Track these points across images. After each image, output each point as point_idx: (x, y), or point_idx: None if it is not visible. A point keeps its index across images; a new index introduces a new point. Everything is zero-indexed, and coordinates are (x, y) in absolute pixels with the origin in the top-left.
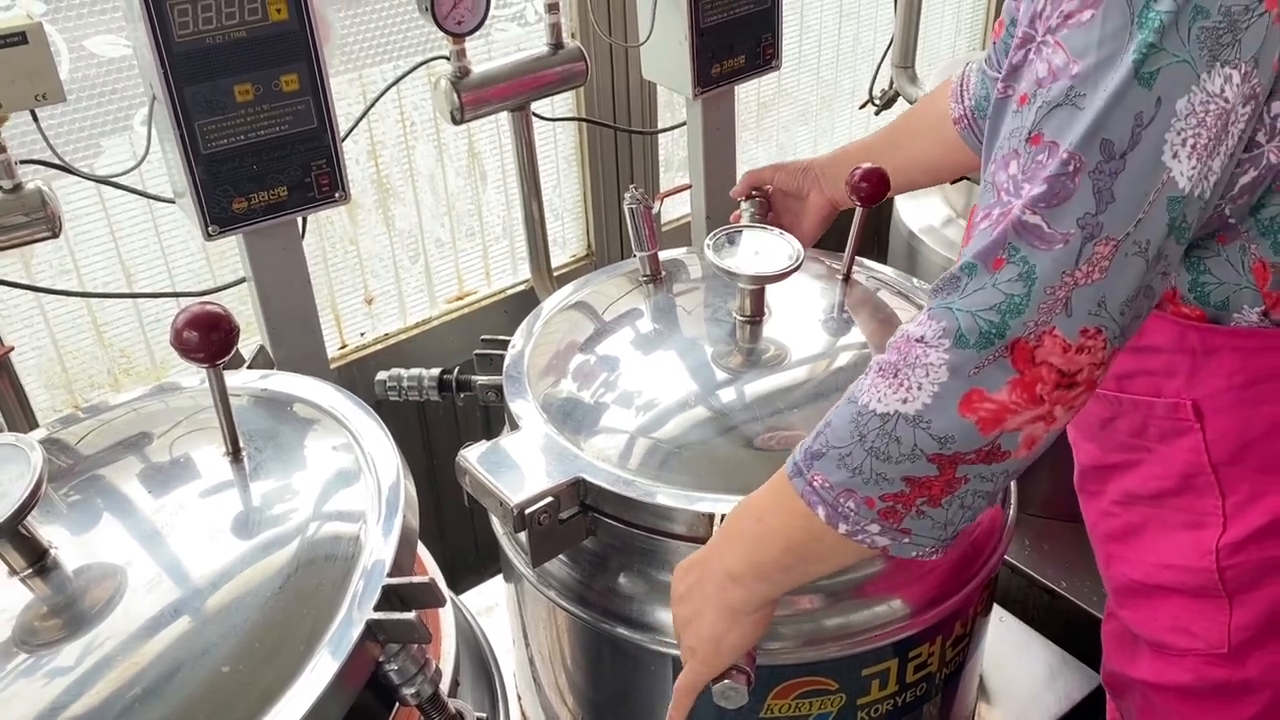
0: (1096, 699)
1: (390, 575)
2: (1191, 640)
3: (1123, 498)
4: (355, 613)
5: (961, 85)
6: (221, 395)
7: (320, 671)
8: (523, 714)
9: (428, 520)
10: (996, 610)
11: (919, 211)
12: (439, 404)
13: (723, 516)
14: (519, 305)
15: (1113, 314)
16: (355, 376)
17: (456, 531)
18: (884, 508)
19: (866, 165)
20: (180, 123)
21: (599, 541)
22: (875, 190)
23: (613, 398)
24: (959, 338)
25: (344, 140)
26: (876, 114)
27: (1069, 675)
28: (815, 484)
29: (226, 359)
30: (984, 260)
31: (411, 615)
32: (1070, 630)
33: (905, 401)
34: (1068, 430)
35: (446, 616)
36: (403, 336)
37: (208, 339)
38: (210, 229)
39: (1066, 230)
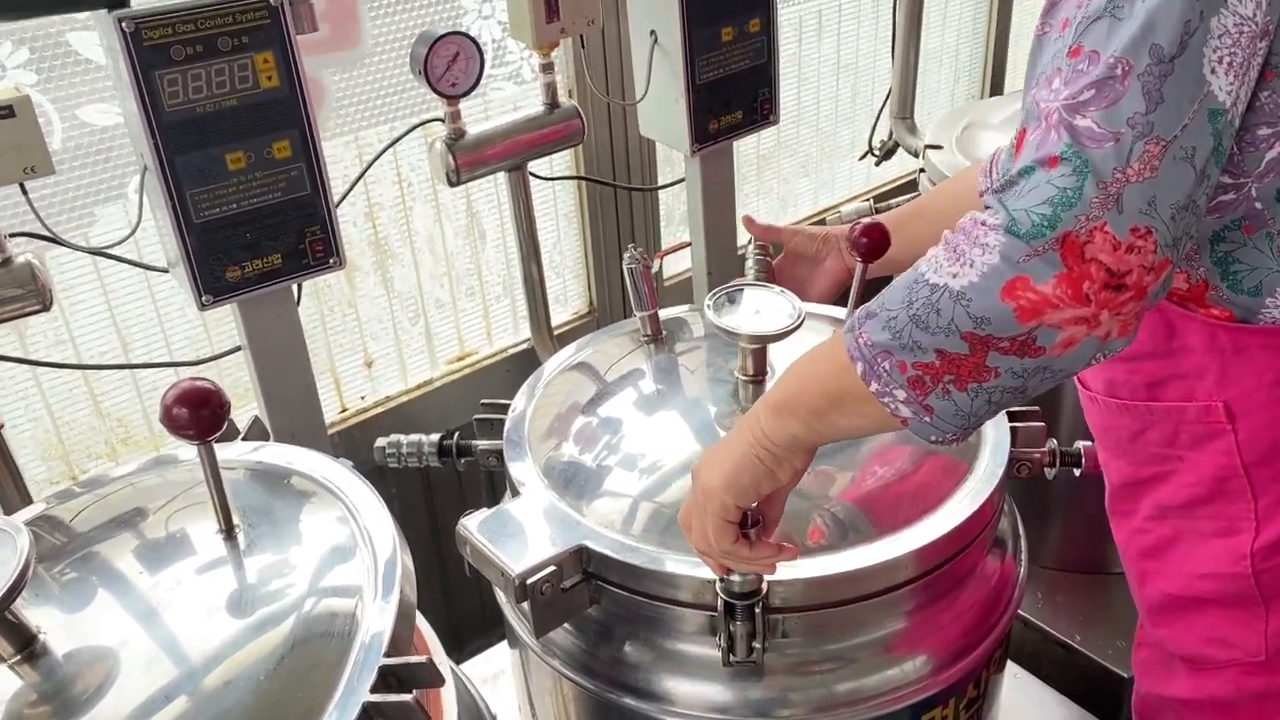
0: None
1: (388, 653)
2: (1229, 651)
3: (1155, 512)
4: (352, 695)
5: (991, 163)
6: (213, 472)
7: None
8: None
9: (433, 584)
10: (1010, 666)
11: None
12: (450, 465)
13: None
14: (522, 364)
15: (1163, 216)
16: (357, 440)
17: (463, 595)
18: (913, 375)
19: (867, 220)
20: (172, 192)
21: (603, 610)
22: (876, 245)
23: (615, 461)
24: (1011, 227)
25: (340, 203)
26: (877, 164)
27: None
28: (861, 340)
29: (217, 435)
30: (1040, 161)
31: (409, 697)
32: (1086, 685)
33: (955, 276)
34: (1099, 452)
35: (448, 691)
36: (404, 399)
37: (197, 415)
38: (204, 299)
39: (1118, 129)
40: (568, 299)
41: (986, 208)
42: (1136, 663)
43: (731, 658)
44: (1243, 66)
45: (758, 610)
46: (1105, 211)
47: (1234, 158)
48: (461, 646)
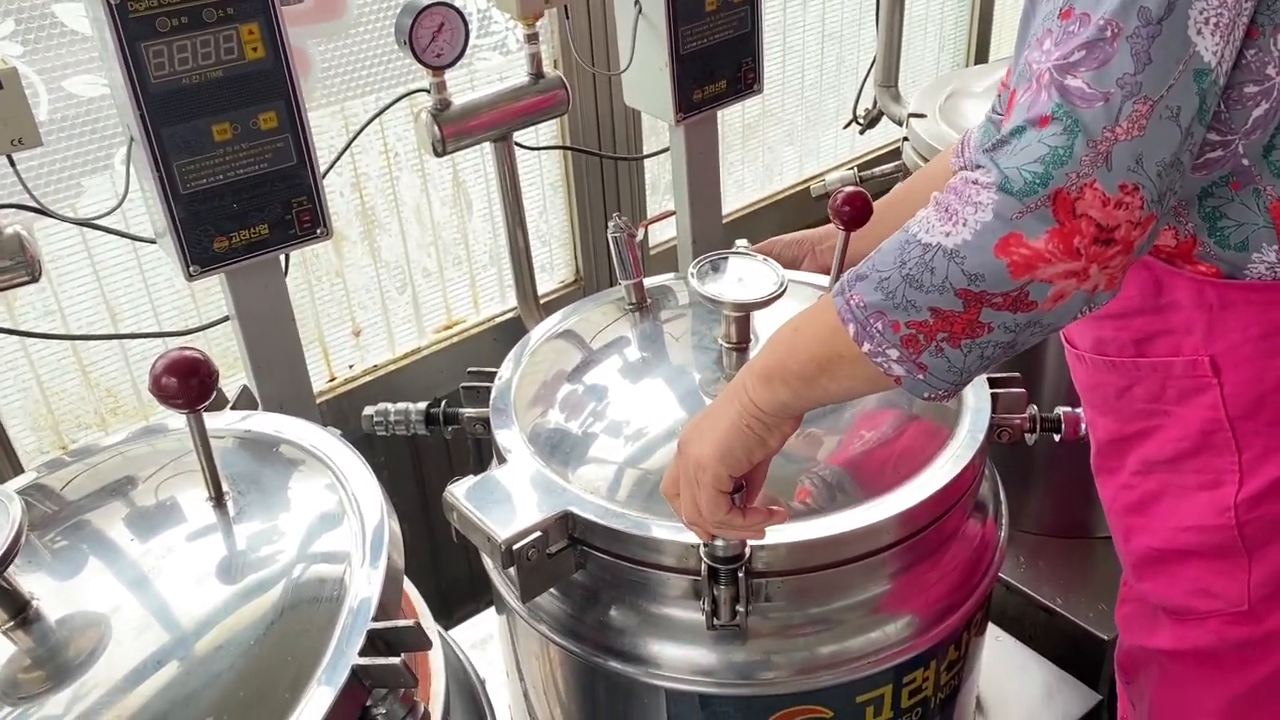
0: (1094, 717)
1: (376, 618)
2: (1212, 601)
3: (1141, 467)
4: (340, 659)
5: (963, 142)
6: (202, 440)
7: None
8: None
9: (421, 551)
10: (992, 629)
11: None
12: (438, 433)
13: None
14: (509, 333)
15: (1149, 174)
16: (345, 409)
17: (451, 561)
18: (907, 334)
19: (850, 189)
20: (158, 163)
21: (589, 574)
22: (858, 213)
23: (601, 428)
24: (1004, 184)
25: (327, 174)
26: (861, 133)
27: (1066, 693)
28: (852, 302)
29: (206, 404)
30: (1031, 121)
31: (397, 660)
32: (1067, 648)
33: (948, 235)
34: (1084, 410)
35: (436, 655)
36: (392, 367)
37: (186, 385)
38: (191, 269)
39: (1107, 89)
40: (554, 267)
41: (978, 166)
42: (1120, 617)
43: (715, 621)
44: (1229, 26)
45: (741, 574)
46: (1095, 169)
47: (1221, 115)
48: (450, 612)
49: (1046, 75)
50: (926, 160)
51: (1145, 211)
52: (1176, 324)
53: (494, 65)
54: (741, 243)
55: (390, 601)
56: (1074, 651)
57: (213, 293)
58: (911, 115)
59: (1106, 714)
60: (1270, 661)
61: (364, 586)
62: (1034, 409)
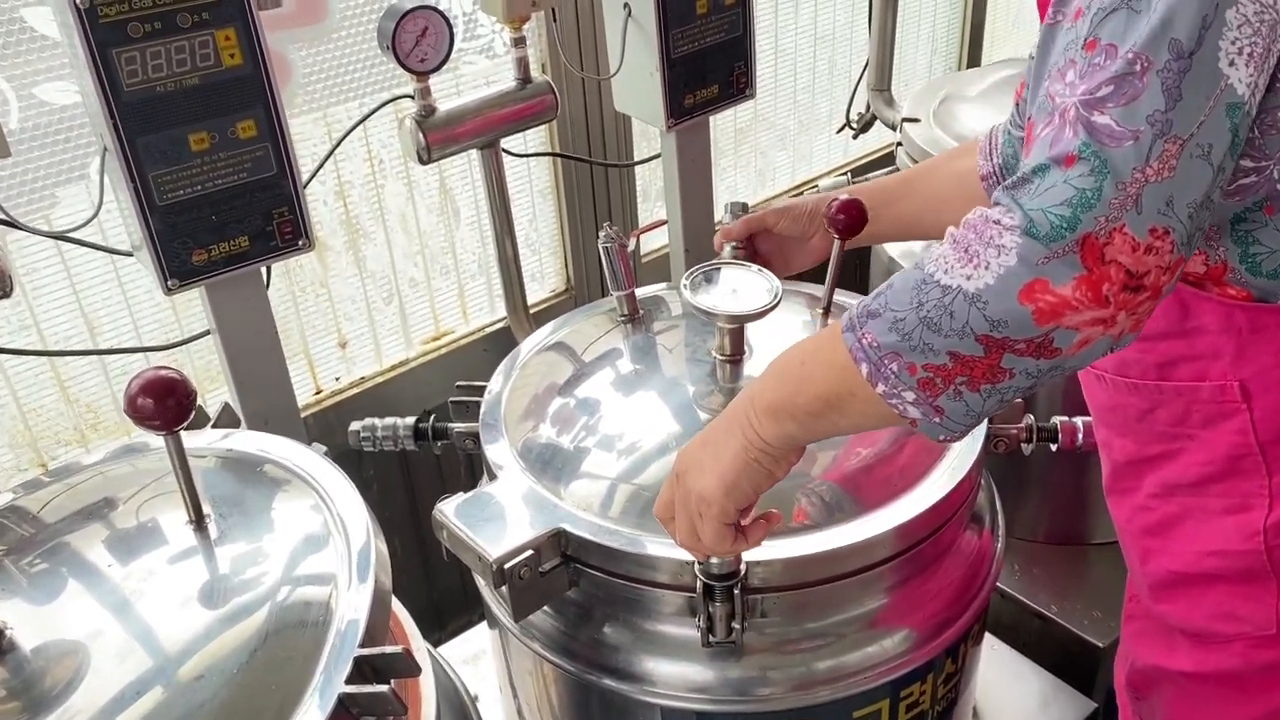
0: None
1: (364, 642)
2: (1238, 625)
3: (1160, 490)
4: (327, 687)
5: (990, 143)
6: (181, 462)
7: None
8: None
9: (413, 564)
10: (988, 638)
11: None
12: (427, 448)
13: None
14: (499, 343)
15: (1180, 216)
16: (332, 422)
17: (444, 573)
18: (924, 377)
19: (844, 197)
20: (133, 174)
21: (583, 592)
22: (852, 222)
23: (593, 443)
24: (1029, 229)
25: (309, 183)
26: (854, 137)
27: (1062, 702)
28: (865, 341)
29: (184, 425)
30: (1056, 160)
31: (385, 688)
32: (1062, 655)
33: (969, 278)
34: (1097, 430)
35: (426, 678)
36: (379, 379)
37: (163, 406)
38: (169, 283)
39: (1137, 128)
40: (545, 276)
41: (997, 204)
42: (1128, 634)
43: (711, 638)
44: (1263, 55)
45: (736, 591)
46: (1124, 212)
47: (1255, 141)
48: (444, 625)
49: (1072, 111)
50: None
51: (1175, 255)
52: (1203, 348)
53: (480, 69)
54: (736, 206)
55: (378, 625)
56: (1069, 659)
57: (195, 305)
58: (905, 120)
59: None
60: None
61: (351, 610)
62: (1030, 419)
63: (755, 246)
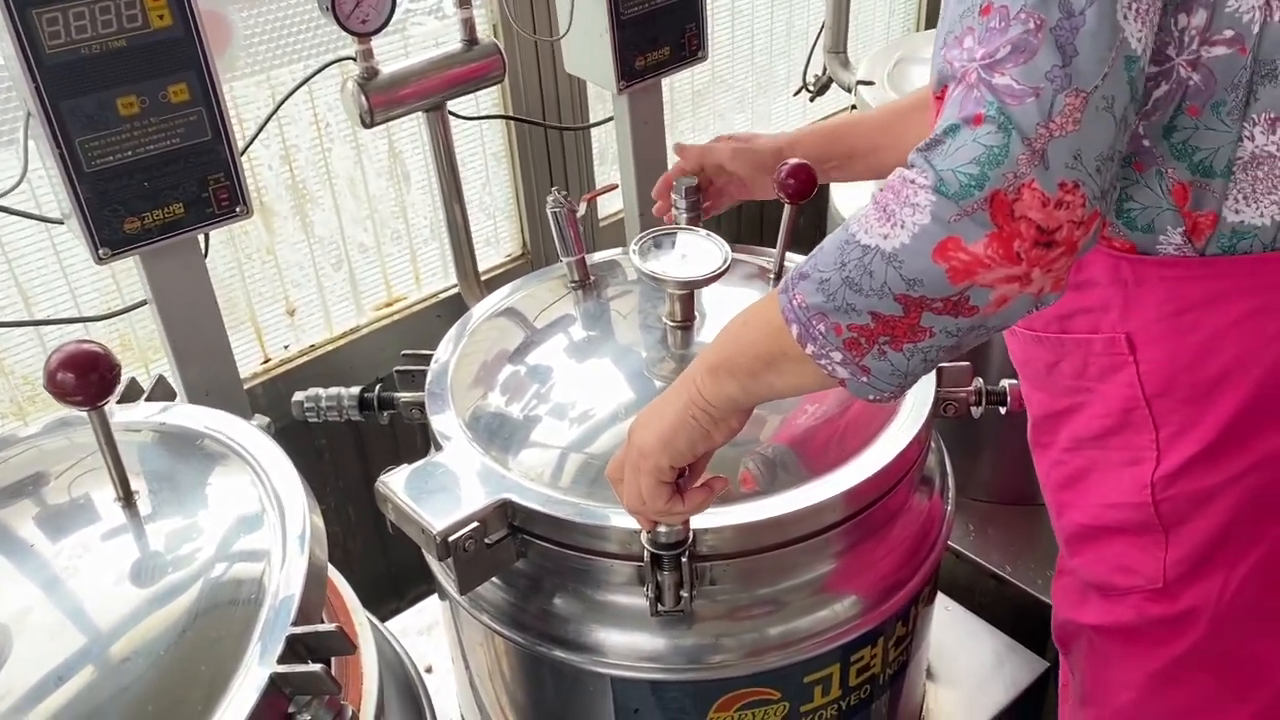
0: (1043, 683)
1: (298, 620)
2: (1132, 578)
3: (1071, 444)
4: (257, 667)
5: None
6: (106, 438)
7: None
8: None
9: (368, 535)
10: (942, 599)
11: (855, 201)
12: (374, 419)
13: None
14: (453, 309)
15: (1089, 169)
16: (281, 392)
17: (400, 543)
18: (849, 338)
19: (794, 161)
20: (59, 140)
21: (532, 563)
22: (803, 187)
23: (542, 411)
24: (940, 187)
25: (249, 147)
26: (811, 100)
27: (1016, 662)
28: (795, 302)
29: (108, 401)
30: (966, 119)
31: (318, 667)
32: (1018, 616)
33: (886, 237)
34: (1021, 385)
35: (368, 653)
36: (330, 347)
37: (85, 381)
38: (101, 252)
39: (1036, 84)
40: (500, 242)
41: (912, 164)
42: (1055, 590)
43: (659, 607)
44: (1147, 12)
45: (684, 559)
46: (1032, 168)
47: None
48: (401, 595)
49: (974, 74)
50: None
51: (1088, 209)
52: (1094, 301)
53: (429, 30)
54: (689, 185)
55: (313, 601)
56: (1023, 618)
57: (135, 274)
58: (860, 82)
59: (1054, 680)
60: (1185, 639)
61: (284, 587)
62: (979, 382)
63: (710, 179)
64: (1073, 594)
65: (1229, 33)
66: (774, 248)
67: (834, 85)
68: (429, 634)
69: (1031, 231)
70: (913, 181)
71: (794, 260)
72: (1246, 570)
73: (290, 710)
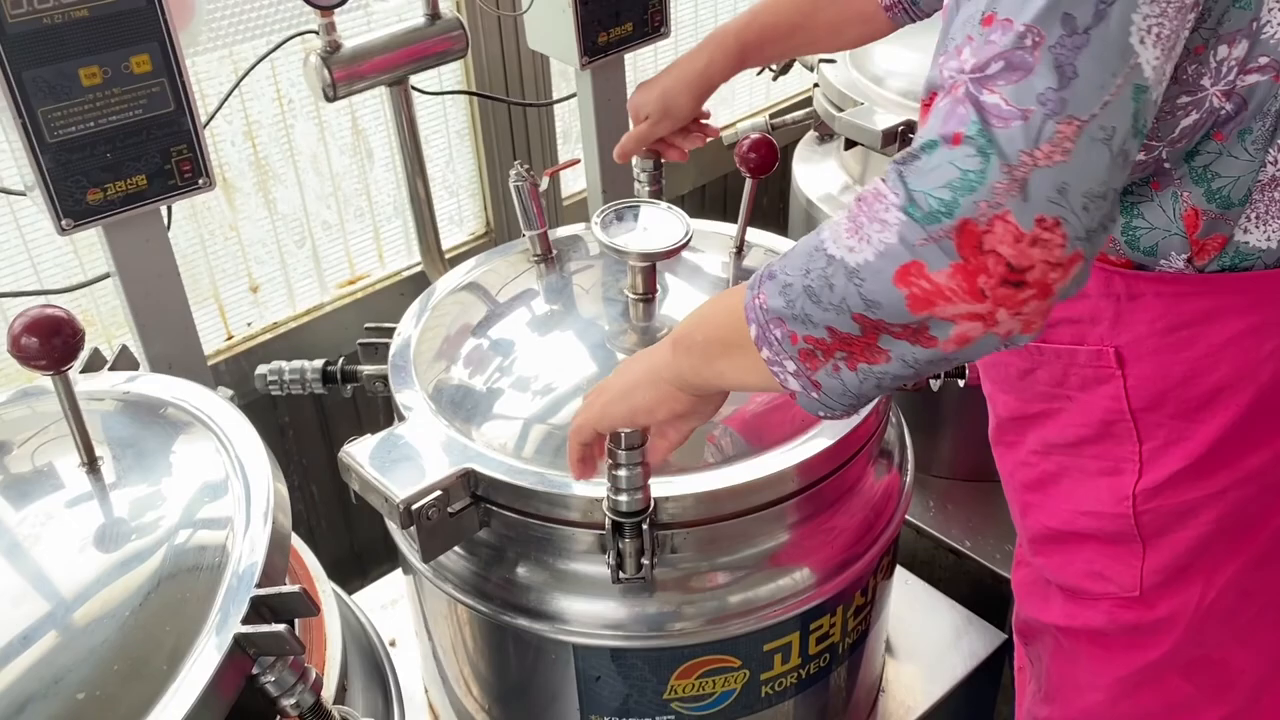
0: (1001, 656)
1: (261, 584)
2: (1104, 584)
3: (1041, 447)
4: (222, 627)
5: None
6: (70, 403)
7: (185, 691)
8: (430, 706)
9: (333, 512)
10: (902, 573)
11: (817, 179)
12: (338, 392)
13: None
14: (417, 286)
15: (1074, 206)
16: (245, 368)
17: (365, 521)
18: (804, 348)
19: (755, 136)
20: (21, 110)
21: (494, 532)
22: (764, 160)
23: (505, 383)
24: (908, 208)
25: (210, 121)
26: (774, 79)
27: (974, 634)
28: (758, 302)
29: (72, 365)
30: (945, 137)
31: (281, 628)
32: (976, 590)
33: (852, 251)
34: (983, 384)
35: (332, 619)
36: (293, 324)
37: (49, 345)
38: (63, 223)
39: (1026, 106)
40: (463, 219)
41: (886, 178)
42: (1016, 582)
43: (621, 575)
44: (1170, 39)
45: (645, 527)
46: (1009, 198)
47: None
48: (365, 573)
49: (962, 88)
50: (838, 107)
51: (1068, 250)
52: (1081, 312)
53: (393, 6)
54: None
55: (276, 567)
56: (982, 592)
57: (98, 247)
58: (822, 60)
59: (1010, 655)
60: (1160, 646)
61: (248, 552)
62: None
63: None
64: (1036, 589)
65: (1264, 59)
66: (733, 222)
67: (796, 63)
68: (392, 608)
69: (1000, 268)
70: (884, 197)
71: (756, 233)
72: (1225, 580)
73: (254, 671)
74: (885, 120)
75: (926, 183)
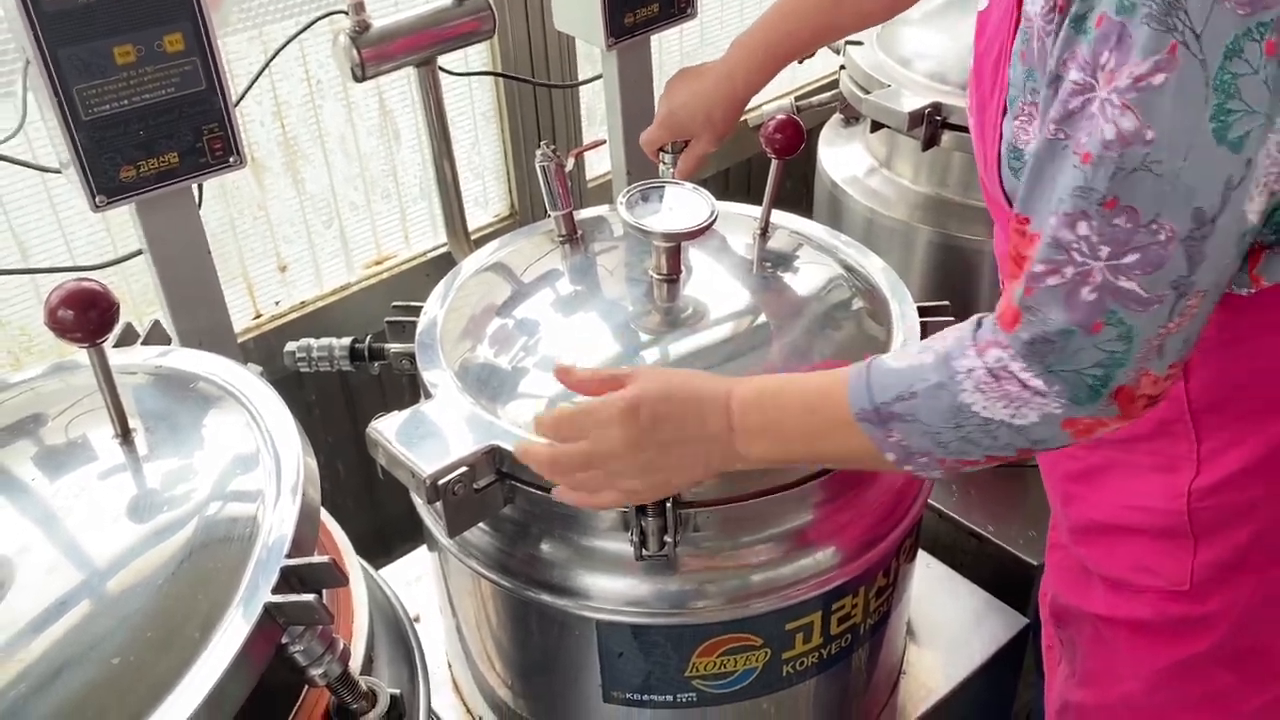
0: (1023, 640)
1: (290, 555)
2: (1151, 578)
3: (1089, 440)
4: (253, 596)
5: None
6: (105, 376)
7: (217, 658)
8: (453, 681)
9: (358, 489)
10: (924, 556)
11: (842, 161)
12: (364, 370)
13: None
14: (441, 267)
15: (1192, 345)
16: (273, 346)
17: (390, 498)
18: (955, 464)
19: (781, 117)
20: (57, 88)
21: (519, 509)
22: (790, 142)
23: (530, 362)
24: (1074, 398)
25: (242, 100)
26: (800, 62)
27: (995, 618)
28: (892, 440)
29: (107, 338)
30: (1082, 325)
31: (310, 597)
32: (997, 574)
33: (1014, 417)
34: None
35: (359, 592)
36: (320, 304)
37: (84, 318)
38: (97, 200)
39: (1161, 292)
40: (488, 201)
41: (1018, 357)
42: (1051, 564)
43: (644, 552)
44: (1273, 181)
45: (668, 505)
46: (1150, 361)
47: None
48: (389, 551)
49: (1099, 276)
50: (865, 90)
51: (1184, 367)
52: None
53: None
54: (666, 158)
55: (305, 538)
56: (1004, 577)
57: (129, 224)
58: (848, 43)
59: (1033, 637)
60: (1207, 638)
61: (278, 524)
62: None
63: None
64: (1074, 575)
65: None
66: (758, 204)
67: (823, 47)
68: (417, 584)
69: (1144, 400)
70: (1028, 388)
71: (781, 215)
72: (1278, 574)
73: (284, 641)
74: (912, 102)
75: (1076, 364)
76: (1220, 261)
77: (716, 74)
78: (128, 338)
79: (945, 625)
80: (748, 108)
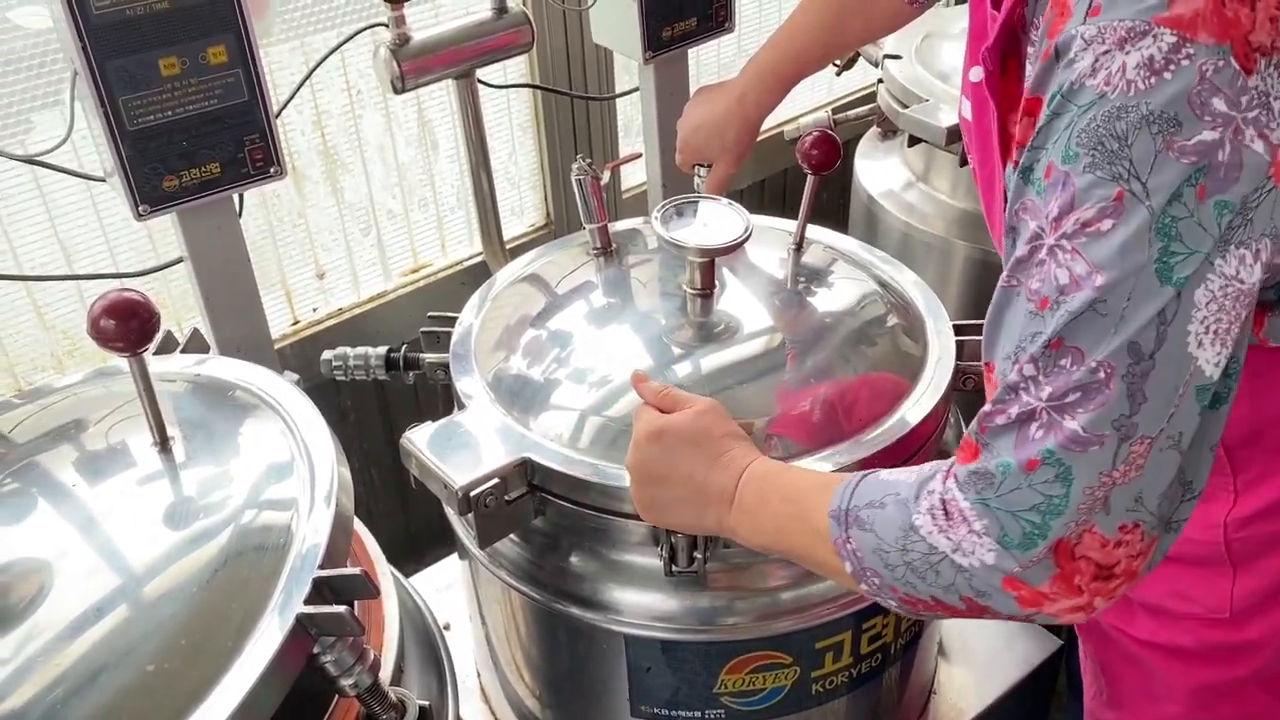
0: (1056, 662)
1: (323, 565)
2: (1190, 605)
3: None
4: (285, 606)
5: None
6: (145, 384)
7: (249, 667)
8: (482, 689)
9: (390, 496)
10: None
11: (879, 176)
12: (399, 378)
13: None
14: (477, 276)
15: (1150, 508)
16: (309, 353)
17: (421, 506)
18: (905, 597)
19: (818, 132)
20: (103, 99)
21: (550, 521)
22: (826, 157)
23: (563, 375)
24: (1003, 538)
25: (282, 111)
26: (838, 74)
27: (1029, 639)
28: (849, 547)
29: (147, 348)
30: (1019, 461)
31: (342, 609)
32: None
33: (955, 551)
34: None
35: (390, 602)
36: (357, 311)
37: (126, 327)
38: (141, 209)
39: (1101, 433)
40: (524, 211)
41: (961, 487)
42: None
43: (673, 568)
44: (1229, 325)
45: None
46: (1093, 514)
47: None
48: (420, 558)
49: (1043, 414)
50: (902, 104)
51: (1146, 541)
52: None
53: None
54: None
55: (339, 549)
56: None
57: (170, 232)
58: (887, 56)
59: (1066, 659)
60: (1247, 664)
61: (311, 534)
62: None
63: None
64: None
65: None
66: (793, 219)
67: (860, 59)
68: (447, 592)
69: (1091, 568)
70: (966, 520)
71: (816, 230)
72: None
73: (315, 651)
74: (950, 117)
75: (1012, 505)
76: (1168, 410)
77: (728, 97)
78: (167, 345)
79: (978, 645)
80: (784, 119)
